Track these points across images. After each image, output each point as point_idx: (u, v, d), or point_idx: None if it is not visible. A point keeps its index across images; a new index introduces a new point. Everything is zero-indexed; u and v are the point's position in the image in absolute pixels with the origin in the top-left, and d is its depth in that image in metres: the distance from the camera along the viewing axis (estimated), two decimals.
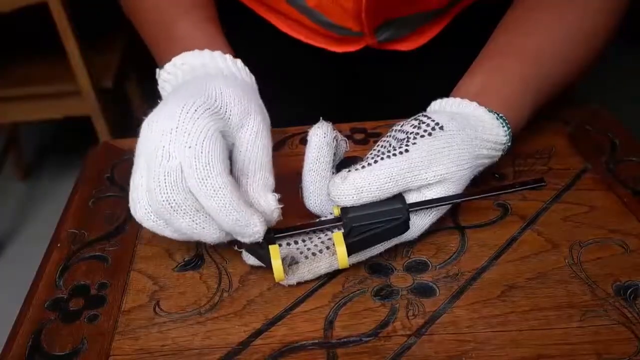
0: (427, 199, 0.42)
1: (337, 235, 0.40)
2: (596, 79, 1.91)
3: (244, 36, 0.53)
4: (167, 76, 0.48)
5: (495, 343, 0.37)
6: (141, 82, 1.78)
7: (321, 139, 0.42)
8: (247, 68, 0.49)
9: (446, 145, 0.43)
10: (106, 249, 0.46)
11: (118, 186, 0.53)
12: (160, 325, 0.40)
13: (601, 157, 0.54)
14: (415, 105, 0.49)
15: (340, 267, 0.41)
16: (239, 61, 0.49)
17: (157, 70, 0.50)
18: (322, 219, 0.44)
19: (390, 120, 0.60)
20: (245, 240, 0.39)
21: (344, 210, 0.41)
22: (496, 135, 0.46)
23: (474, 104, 0.47)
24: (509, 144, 0.47)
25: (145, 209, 0.39)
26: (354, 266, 0.43)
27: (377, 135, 0.58)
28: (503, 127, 0.47)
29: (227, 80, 0.44)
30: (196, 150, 0.36)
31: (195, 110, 0.38)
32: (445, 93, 0.49)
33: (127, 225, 0.48)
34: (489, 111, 0.47)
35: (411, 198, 0.42)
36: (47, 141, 2.07)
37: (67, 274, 0.44)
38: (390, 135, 0.45)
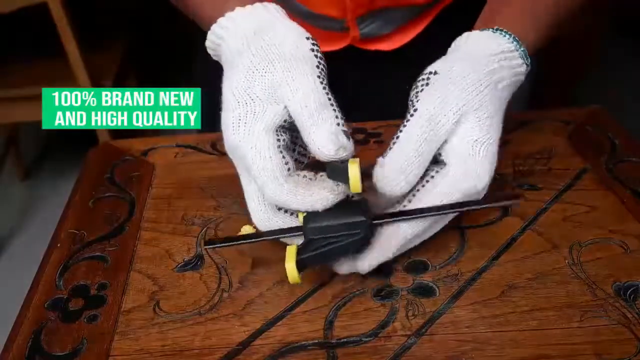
0: (470, 137, 0.41)
1: (290, 250, 0.39)
2: (596, 79, 1.91)
3: None
4: (221, 33, 0.46)
5: (495, 343, 0.37)
6: (141, 82, 1.78)
7: None
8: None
9: (447, 82, 0.42)
10: (106, 249, 0.46)
11: (118, 186, 0.53)
12: (160, 326, 0.40)
13: (601, 157, 0.54)
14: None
15: (291, 282, 0.38)
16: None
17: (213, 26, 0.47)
18: (285, 227, 0.42)
19: (390, 121, 0.60)
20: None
21: (306, 218, 0.40)
22: (499, 45, 0.45)
23: (472, 32, 0.46)
24: (522, 50, 0.45)
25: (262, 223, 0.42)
26: None
27: (378, 135, 0.58)
28: (504, 36, 0.45)
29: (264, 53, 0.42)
30: (253, 172, 0.39)
31: (240, 122, 0.40)
32: None
33: (127, 225, 0.48)
34: (482, 30, 0.46)
35: (456, 144, 0.41)
36: (47, 141, 2.07)
37: (67, 274, 0.44)
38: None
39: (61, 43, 1.32)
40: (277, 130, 0.40)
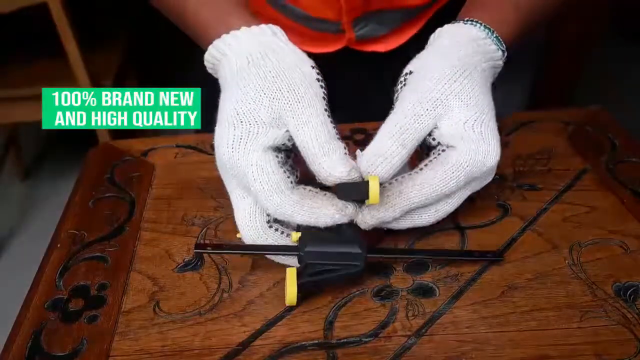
0: (458, 119, 0.42)
1: (291, 273, 0.39)
2: (596, 79, 1.91)
3: None
4: (218, 55, 0.46)
5: (495, 343, 0.37)
6: (141, 82, 1.78)
7: None
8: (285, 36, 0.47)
9: (422, 78, 0.43)
10: (106, 250, 0.46)
11: (118, 187, 0.53)
12: (160, 326, 0.40)
13: (601, 157, 0.54)
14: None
15: (287, 304, 0.39)
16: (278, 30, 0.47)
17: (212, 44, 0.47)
18: (280, 244, 0.42)
19: None
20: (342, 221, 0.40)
21: (302, 239, 0.40)
22: (469, 34, 0.45)
23: (446, 26, 0.47)
24: (495, 36, 0.46)
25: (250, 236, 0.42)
26: None
27: None
28: (474, 25, 0.46)
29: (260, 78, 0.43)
30: (255, 187, 0.40)
31: (240, 142, 0.41)
32: None
33: (126, 225, 0.48)
34: (455, 22, 0.47)
35: (447, 128, 0.42)
36: (47, 141, 2.07)
37: (67, 274, 0.44)
38: None
39: (61, 43, 1.32)
40: (275, 150, 0.41)
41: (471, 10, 0.49)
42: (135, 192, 0.52)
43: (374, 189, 0.38)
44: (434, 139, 0.43)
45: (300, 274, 0.39)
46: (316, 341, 0.38)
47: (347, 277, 0.40)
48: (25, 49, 1.56)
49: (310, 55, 0.45)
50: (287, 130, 0.41)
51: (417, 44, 0.66)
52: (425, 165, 0.42)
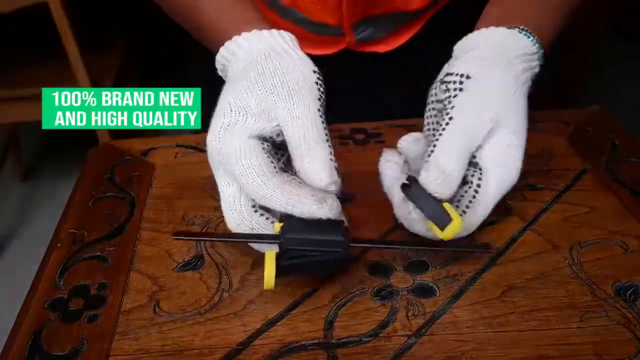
0: (503, 142, 0.42)
1: (270, 254, 0.39)
2: (596, 79, 1.91)
3: None
4: (227, 56, 0.47)
5: (495, 343, 0.37)
6: (141, 83, 1.78)
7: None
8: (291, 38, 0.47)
9: (482, 88, 0.42)
10: (106, 249, 0.46)
11: (118, 187, 0.53)
12: (160, 326, 0.40)
13: (601, 157, 0.54)
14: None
15: (265, 288, 0.38)
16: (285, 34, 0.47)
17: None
18: (262, 233, 0.41)
19: (390, 121, 0.60)
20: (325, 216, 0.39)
21: (284, 228, 0.39)
22: (524, 47, 0.45)
23: (491, 28, 0.46)
24: (542, 52, 0.46)
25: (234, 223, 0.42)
26: (354, 266, 0.43)
27: (378, 136, 0.58)
28: (527, 37, 0.45)
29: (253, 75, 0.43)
30: (237, 170, 0.40)
31: (226, 129, 0.41)
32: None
33: (127, 225, 0.49)
34: (509, 29, 0.46)
35: (491, 149, 0.42)
36: (47, 141, 2.07)
37: (67, 274, 0.44)
38: (430, 111, 0.46)
39: (61, 43, 1.32)
40: (261, 139, 0.41)
41: (513, 9, 0.48)
42: (135, 192, 0.52)
43: (451, 230, 0.39)
44: (473, 156, 0.43)
45: (280, 258, 0.39)
46: (316, 341, 0.38)
47: (329, 264, 0.39)
48: (25, 49, 1.56)
49: (310, 57, 0.45)
50: (277, 125, 0.41)
51: (417, 45, 0.66)
52: (463, 211, 0.42)
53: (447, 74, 0.44)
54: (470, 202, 0.42)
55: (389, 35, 0.65)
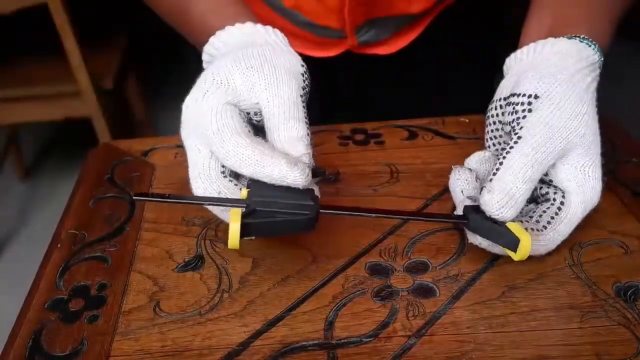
0: (578, 163, 0.41)
1: (235, 212, 0.37)
2: None
3: None
4: (212, 50, 0.47)
5: (495, 344, 0.37)
6: (141, 83, 1.78)
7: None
8: (274, 30, 0.47)
9: (552, 108, 0.40)
10: (106, 250, 0.46)
11: (118, 187, 0.53)
12: (161, 326, 0.40)
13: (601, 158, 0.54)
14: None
15: (230, 247, 0.36)
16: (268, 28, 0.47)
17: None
18: (229, 197, 0.40)
19: (389, 121, 0.60)
20: (295, 184, 0.37)
21: (251, 193, 0.38)
22: (587, 58, 0.43)
23: (550, 40, 0.44)
24: (603, 60, 0.44)
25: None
26: (354, 267, 0.43)
27: (378, 136, 0.58)
28: (589, 46, 0.44)
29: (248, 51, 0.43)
30: (212, 128, 0.39)
31: (205, 95, 0.41)
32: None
33: (127, 225, 0.49)
34: (569, 38, 0.44)
35: (566, 171, 0.41)
36: (47, 142, 2.07)
37: (67, 274, 0.44)
38: (492, 132, 0.44)
39: (61, 43, 1.32)
40: (238, 109, 0.41)
41: (567, 17, 0.46)
42: (136, 192, 0.52)
43: (523, 250, 0.38)
44: (545, 175, 0.42)
45: (247, 216, 0.37)
46: (316, 341, 0.38)
47: (299, 225, 0.37)
48: (25, 49, 1.56)
49: (312, 58, 0.45)
50: (257, 103, 0.41)
51: (418, 46, 0.66)
52: (544, 226, 0.41)
53: (513, 95, 0.43)
54: (552, 218, 0.41)
55: (391, 38, 0.65)
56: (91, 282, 0.43)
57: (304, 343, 0.38)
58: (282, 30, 0.46)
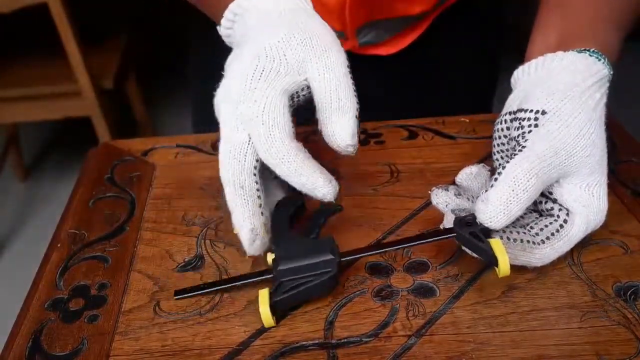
0: (583, 182, 0.40)
1: (263, 292, 0.39)
2: None
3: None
4: (234, 18, 0.46)
5: (496, 344, 0.37)
6: (141, 83, 1.78)
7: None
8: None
9: (559, 124, 0.40)
10: (106, 249, 0.46)
11: (118, 187, 0.53)
12: (161, 326, 0.40)
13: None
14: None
15: (266, 327, 0.39)
16: None
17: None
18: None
19: (389, 121, 0.60)
20: (322, 198, 0.39)
21: (275, 261, 0.40)
22: (597, 73, 0.42)
23: (559, 54, 0.43)
24: (612, 73, 0.43)
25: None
26: (354, 267, 0.43)
27: (378, 136, 0.58)
28: (599, 60, 0.42)
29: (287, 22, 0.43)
30: (263, 118, 0.39)
31: (261, 75, 0.40)
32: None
33: (127, 225, 0.49)
34: (579, 52, 0.43)
35: (571, 190, 0.41)
36: (47, 141, 2.07)
37: (67, 274, 0.44)
38: (499, 146, 0.44)
39: (61, 43, 1.32)
40: (289, 97, 0.41)
41: (575, 29, 0.45)
42: (136, 192, 0.52)
43: (502, 270, 0.38)
44: (550, 193, 0.41)
45: (273, 293, 0.39)
46: (316, 341, 0.38)
47: (323, 287, 0.39)
48: (25, 49, 1.56)
49: None
50: (305, 80, 0.41)
51: (419, 47, 0.66)
52: (542, 240, 0.40)
53: (520, 110, 0.42)
54: (552, 234, 0.41)
55: (391, 39, 0.65)
56: (91, 281, 0.43)
57: (304, 343, 0.38)
58: None
